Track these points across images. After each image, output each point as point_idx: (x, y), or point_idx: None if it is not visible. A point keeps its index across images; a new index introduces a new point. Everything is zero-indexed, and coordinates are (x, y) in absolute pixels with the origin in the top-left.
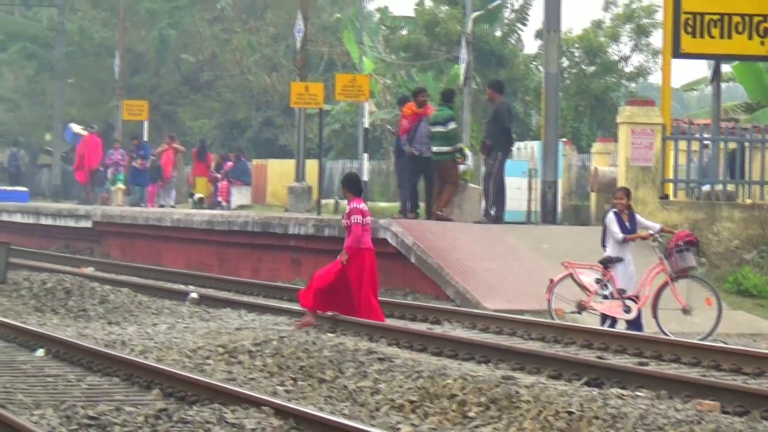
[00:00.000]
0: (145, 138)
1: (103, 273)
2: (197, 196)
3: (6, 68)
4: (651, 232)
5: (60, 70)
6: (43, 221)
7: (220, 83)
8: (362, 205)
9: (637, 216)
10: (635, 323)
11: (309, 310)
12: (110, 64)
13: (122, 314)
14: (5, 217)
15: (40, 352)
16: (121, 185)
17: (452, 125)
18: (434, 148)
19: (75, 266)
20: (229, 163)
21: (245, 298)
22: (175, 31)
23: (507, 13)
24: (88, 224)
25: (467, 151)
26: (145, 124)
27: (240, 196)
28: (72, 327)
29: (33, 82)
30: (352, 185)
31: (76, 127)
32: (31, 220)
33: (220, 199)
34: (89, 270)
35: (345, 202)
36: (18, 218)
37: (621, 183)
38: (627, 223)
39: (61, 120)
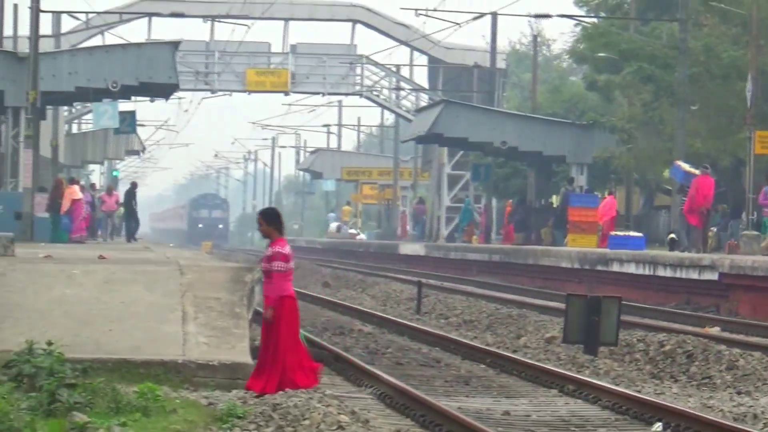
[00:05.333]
0: None
1: (730, 334)
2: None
3: (619, 93)
4: None
5: (681, 95)
6: (661, 272)
7: None
8: (286, 249)
9: None
10: None
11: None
12: (741, 88)
13: (753, 382)
14: (616, 267)
15: (658, 426)
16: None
17: None
18: None
19: (698, 326)
20: None
21: None
22: None
23: None
24: (713, 276)
25: None
26: None
27: None
28: (694, 397)
29: (650, 109)
30: (276, 222)
31: (684, 166)
32: (646, 270)
33: None
34: (714, 330)
35: None
36: (631, 268)
37: None
38: None
39: (683, 153)
